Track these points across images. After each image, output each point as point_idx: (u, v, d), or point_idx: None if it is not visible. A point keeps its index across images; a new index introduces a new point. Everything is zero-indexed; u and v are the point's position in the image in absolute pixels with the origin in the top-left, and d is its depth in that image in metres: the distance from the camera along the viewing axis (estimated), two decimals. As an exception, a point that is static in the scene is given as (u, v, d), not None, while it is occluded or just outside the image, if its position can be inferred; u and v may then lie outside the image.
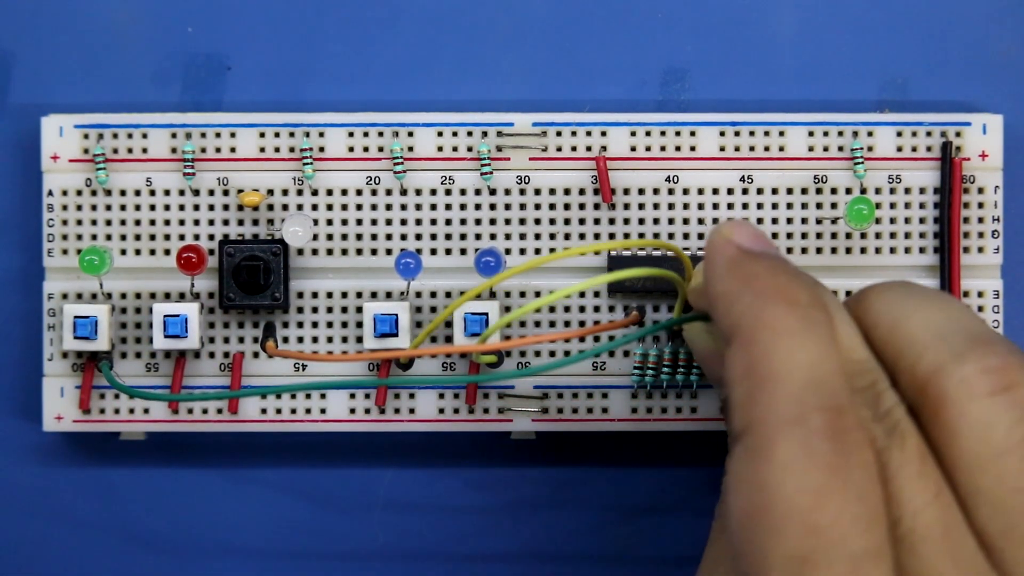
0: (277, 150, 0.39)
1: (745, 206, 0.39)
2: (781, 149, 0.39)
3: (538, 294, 0.39)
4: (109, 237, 0.39)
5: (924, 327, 0.29)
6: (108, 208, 0.39)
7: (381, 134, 0.39)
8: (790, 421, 0.27)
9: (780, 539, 0.26)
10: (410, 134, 0.39)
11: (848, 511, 0.26)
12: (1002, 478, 0.27)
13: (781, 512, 0.26)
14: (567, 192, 0.39)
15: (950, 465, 0.28)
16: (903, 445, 0.28)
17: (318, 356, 0.39)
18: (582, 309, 0.39)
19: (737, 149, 0.39)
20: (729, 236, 0.31)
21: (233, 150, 0.39)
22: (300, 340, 0.39)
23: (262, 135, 0.39)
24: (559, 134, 0.39)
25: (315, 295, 0.39)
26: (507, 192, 0.39)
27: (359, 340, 0.39)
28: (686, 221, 0.39)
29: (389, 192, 0.39)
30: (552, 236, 0.39)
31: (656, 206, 0.39)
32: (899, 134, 0.39)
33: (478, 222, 0.39)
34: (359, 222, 0.39)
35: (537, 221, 0.39)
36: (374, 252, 0.39)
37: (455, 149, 0.39)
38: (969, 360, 0.28)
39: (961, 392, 0.28)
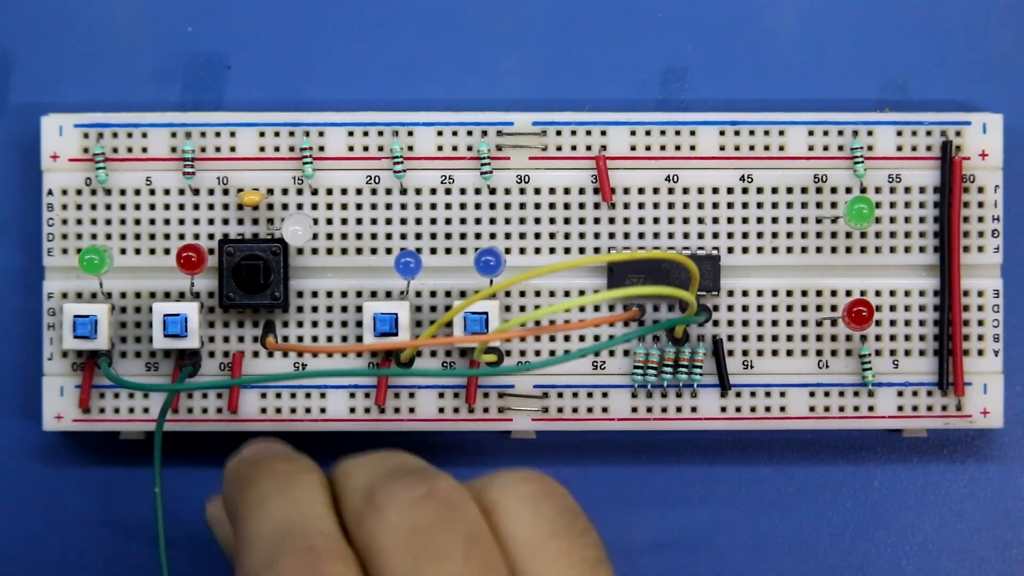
0: (277, 149, 0.39)
1: (745, 205, 0.39)
2: (781, 148, 0.39)
3: (538, 293, 0.39)
4: (109, 236, 0.39)
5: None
6: (108, 207, 0.39)
7: (381, 133, 0.39)
8: (262, 569, 0.28)
9: None
10: (410, 133, 0.39)
11: None
12: (555, 557, 0.29)
13: None
14: (567, 191, 0.39)
15: None
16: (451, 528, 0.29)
17: (317, 347, 0.39)
18: (582, 309, 0.39)
19: (737, 149, 0.39)
20: (235, 454, 0.33)
21: (233, 149, 0.39)
22: (300, 339, 0.39)
23: (262, 134, 0.39)
24: (559, 133, 0.39)
25: (315, 294, 0.39)
26: (507, 191, 0.39)
27: (359, 339, 0.39)
28: (686, 221, 0.39)
29: (389, 191, 0.39)
30: (552, 236, 0.39)
31: (656, 206, 0.39)
32: (899, 133, 0.39)
33: (478, 221, 0.39)
34: (359, 221, 0.39)
35: (537, 220, 0.39)
36: (374, 251, 0.39)
37: (455, 148, 0.39)
38: (507, 473, 0.30)
39: (505, 496, 0.30)
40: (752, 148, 0.39)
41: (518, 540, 0.29)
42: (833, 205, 0.39)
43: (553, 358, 0.37)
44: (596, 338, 0.39)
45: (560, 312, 0.37)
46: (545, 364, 0.34)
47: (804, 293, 0.39)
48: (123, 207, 0.39)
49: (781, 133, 0.39)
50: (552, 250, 0.39)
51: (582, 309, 0.39)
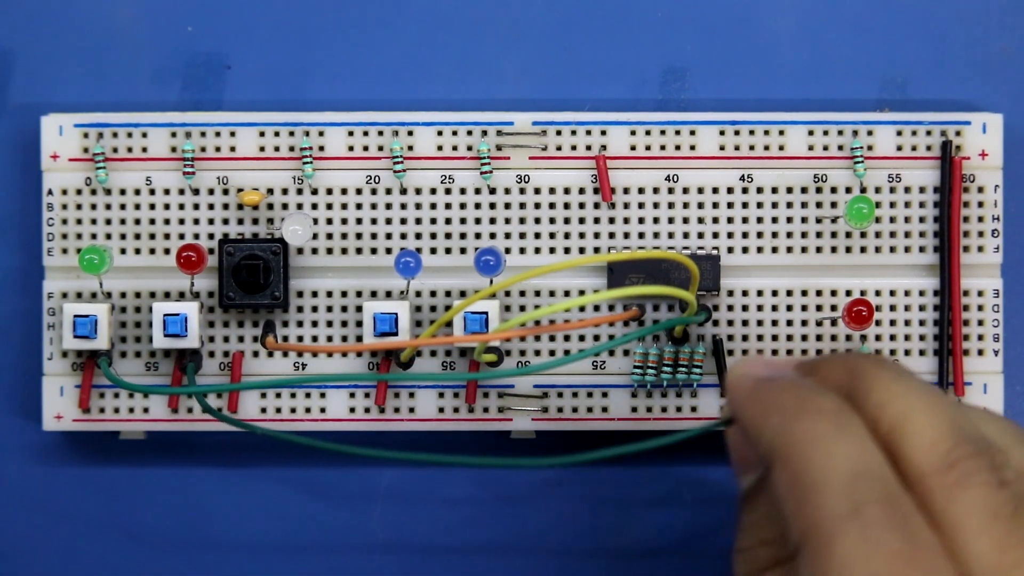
0: (277, 149, 0.39)
1: (745, 205, 0.39)
2: (781, 148, 0.39)
3: (538, 293, 0.39)
4: (109, 236, 0.39)
5: (931, 426, 0.29)
6: (108, 207, 0.39)
7: (381, 133, 0.39)
8: (845, 517, 0.27)
9: None
10: (410, 133, 0.39)
11: None
12: None
13: None
14: (567, 191, 0.39)
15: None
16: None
17: (317, 347, 0.39)
18: (582, 308, 0.39)
19: (737, 148, 0.39)
20: (743, 372, 0.31)
21: (233, 149, 0.39)
22: (300, 339, 0.39)
23: (262, 134, 0.39)
24: (559, 133, 0.39)
25: (315, 294, 0.39)
26: (507, 191, 0.39)
27: (359, 339, 0.39)
28: (686, 220, 0.39)
29: (389, 191, 0.39)
30: (552, 235, 0.39)
31: (656, 205, 0.39)
32: (899, 133, 0.39)
33: (478, 221, 0.39)
34: (359, 221, 0.39)
35: (537, 220, 0.39)
36: (374, 251, 0.39)
37: (455, 148, 0.39)
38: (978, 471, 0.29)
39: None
40: (752, 148, 0.39)
41: None
42: (833, 205, 0.39)
43: (553, 359, 0.37)
44: (596, 338, 0.39)
45: (560, 312, 0.37)
46: (546, 366, 0.34)
47: (804, 293, 0.39)
48: (123, 207, 0.39)
49: (781, 133, 0.39)
50: (552, 250, 0.39)
51: (582, 309, 0.39)
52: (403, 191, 0.39)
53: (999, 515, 0.28)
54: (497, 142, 0.39)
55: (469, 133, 0.39)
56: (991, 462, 0.28)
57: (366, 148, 0.39)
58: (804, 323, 0.39)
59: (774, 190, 0.39)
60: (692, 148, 0.39)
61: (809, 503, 0.28)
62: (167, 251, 0.39)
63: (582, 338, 0.39)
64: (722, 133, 0.39)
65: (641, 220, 0.39)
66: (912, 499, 0.28)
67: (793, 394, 0.30)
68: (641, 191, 0.39)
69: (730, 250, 0.39)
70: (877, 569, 0.26)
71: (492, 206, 0.39)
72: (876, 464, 0.28)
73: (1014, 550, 0.27)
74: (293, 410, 0.39)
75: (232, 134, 0.39)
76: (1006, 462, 0.29)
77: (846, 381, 0.31)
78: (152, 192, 0.39)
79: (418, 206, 0.39)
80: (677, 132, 0.39)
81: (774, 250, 0.39)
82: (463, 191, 0.39)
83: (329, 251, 0.39)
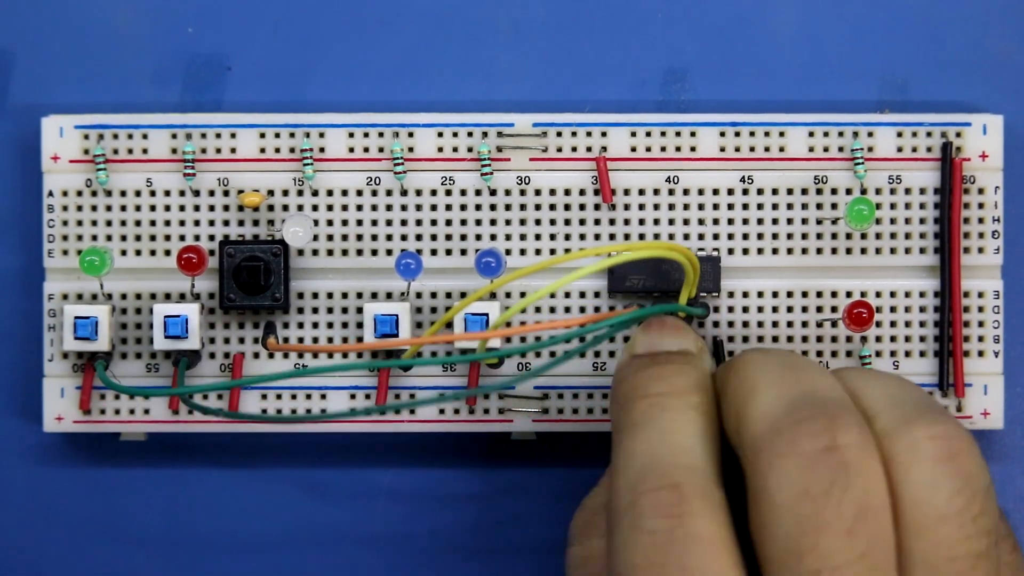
0: (277, 150, 0.39)
1: (745, 206, 0.39)
2: (781, 149, 0.39)
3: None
4: (109, 237, 0.39)
5: (880, 395, 0.30)
6: (108, 208, 0.39)
7: (381, 134, 0.39)
8: (623, 509, 0.28)
9: None
10: (410, 134, 0.39)
11: None
12: (938, 545, 0.28)
13: None
14: (567, 192, 0.39)
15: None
16: (841, 498, 0.28)
17: (317, 347, 0.39)
18: (582, 310, 0.39)
19: (737, 149, 0.39)
20: (630, 344, 0.33)
21: (233, 150, 0.39)
22: (300, 340, 0.39)
23: (262, 135, 0.39)
24: (559, 134, 0.39)
25: (315, 296, 0.39)
26: (507, 192, 0.39)
27: (359, 341, 0.39)
28: (686, 222, 0.39)
29: (389, 192, 0.39)
30: (552, 237, 0.39)
31: (656, 206, 0.39)
32: (899, 134, 0.39)
33: (478, 222, 0.39)
34: (359, 222, 0.39)
35: (537, 222, 0.39)
36: (374, 252, 0.39)
37: (455, 149, 0.39)
38: (918, 426, 0.29)
39: (908, 456, 0.28)
40: (752, 149, 0.39)
41: (909, 515, 0.28)
42: (833, 206, 0.39)
43: (548, 362, 0.37)
44: (596, 354, 0.39)
45: (562, 287, 0.38)
46: (544, 369, 0.34)
47: (804, 294, 0.39)
48: (123, 208, 0.39)
49: (781, 134, 0.39)
50: (553, 251, 0.39)
51: (583, 310, 0.39)
52: (403, 192, 0.39)
53: (808, 493, 0.27)
54: (497, 143, 0.39)
55: (469, 134, 0.39)
56: (826, 426, 0.28)
57: (367, 149, 0.39)
58: (804, 324, 0.39)
59: (774, 191, 0.39)
60: (692, 149, 0.39)
61: (612, 490, 0.29)
62: (168, 253, 0.39)
63: (582, 339, 0.39)
64: (722, 134, 0.39)
65: (641, 221, 0.39)
66: (708, 484, 0.28)
67: (631, 382, 0.31)
68: (641, 192, 0.39)
69: (730, 251, 0.39)
70: (639, 558, 0.27)
71: (492, 207, 0.39)
72: (676, 450, 0.29)
73: (810, 535, 0.27)
74: (294, 411, 0.39)
75: (232, 135, 0.39)
76: (851, 427, 0.28)
77: (723, 373, 0.31)
78: (153, 194, 0.39)
79: (419, 207, 0.39)
80: (677, 133, 0.39)
81: (774, 251, 0.39)
82: (463, 192, 0.39)
83: (330, 252, 0.39)
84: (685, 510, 0.28)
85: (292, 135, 0.39)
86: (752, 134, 0.39)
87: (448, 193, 0.39)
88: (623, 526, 0.28)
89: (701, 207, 0.39)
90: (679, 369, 0.31)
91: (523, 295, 0.39)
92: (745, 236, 0.39)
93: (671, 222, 0.39)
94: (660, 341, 0.33)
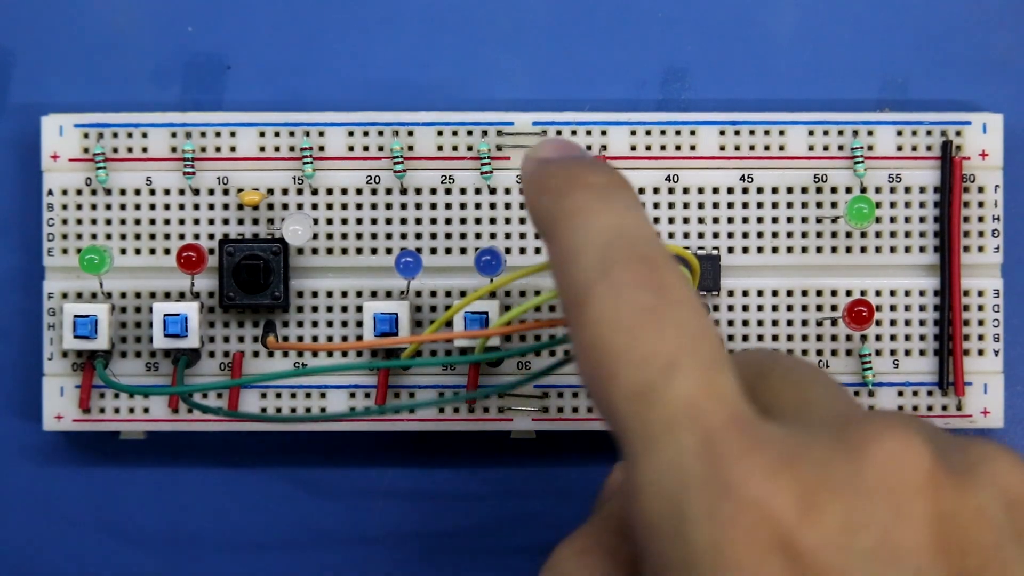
0: (277, 149, 0.39)
1: (745, 205, 0.39)
2: (781, 148, 0.39)
3: (538, 293, 0.39)
4: (109, 236, 0.39)
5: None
6: (108, 207, 0.39)
7: (381, 133, 0.39)
8: (595, 279, 0.27)
9: (615, 383, 0.26)
10: (410, 133, 0.39)
11: (670, 340, 0.25)
12: None
13: (607, 360, 0.26)
14: (567, 191, 0.39)
15: None
16: None
17: (317, 345, 0.39)
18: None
19: (737, 148, 0.39)
20: (533, 155, 0.30)
21: (233, 149, 0.39)
22: (300, 339, 0.39)
23: (262, 134, 0.39)
24: (559, 133, 0.39)
25: (315, 294, 0.39)
26: (507, 191, 0.39)
27: (359, 339, 0.39)
28: (686, 220, 0.39)
29: (389, 191, 0.39)
30: (552, 235, 0.39)
31: (656, 205, 0.39)
32: (899, 133, 0.39)
33: (478, 221, 0.39)
34: (359, 221, 0.39)
35: (537, 220, 0.39)
36: (374, 251, 0.39)
37: (455, 148, 0.39)
38: None
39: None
40: (752, 148, 0.39)
41: None
42: (833, 205, 0.39)
43: (539, 370, 0.37)
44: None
45: (531, 311, 0.38)
46: (536, 375, 0.34)
47: (804, 293, 0.39)
48: (123, 207, 0.39)
49: (781, 133, 0.39)
50: (552, 250, 0.39)
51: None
52: (403, 191, 0.39)
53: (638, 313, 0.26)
54: (497, 142, 0.39)
55: (469, 133, 0.39)
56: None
57: (366, 148, 0.39)
58: (804, 323, 0.39)
59: (774, 190, 0.39)
60: (692, 148, 0.39)
61: (566, 272, 0.27)
62: (167, 251, 0.39)
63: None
64: (722, 133, 0.39)
65: (641, 220, 0.39)
66: (671, 263, 0.27)
67: (564, 172, 0.29)
68: (641, 191, 0.39)
69: (730, 250, 0.39)
70: (624, 321, 0.26)
71: (492, 206, 0.39)
72: (634, 227, 0.27)
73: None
74: (293, 410, 0.39)
75: (232, 134, 0.39)
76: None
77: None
78: (152, 192, 0.39)
79: (418, 206, 0.39)
80: (677, 132, 0.39)
81: (774, 250, 0.39)
82: (463, 191, 0.39)
83: (329, 251, 0.39)
84: (666, 282, 0.26)
85: (292, 134, 0.39)
86: (752, 133, 0.39)
87: (448, 192, 0.39)
88: (597, 296, 0.26)
89: (701, 206, 0.39)
90: (604, 165, 0.30)
91: (523, 295, 0.39)
92: (745, 235, 0.39)
93: (671, 221, 0.39)
94: (568, 148, 0.31)
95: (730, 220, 0.39)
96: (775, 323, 0.39)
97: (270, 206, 0.39)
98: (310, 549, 0.41)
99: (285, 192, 0.39)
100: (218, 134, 0.39)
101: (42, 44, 0.41)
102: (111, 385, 0.37)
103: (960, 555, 0.24)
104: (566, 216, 0.28)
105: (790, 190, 0.39)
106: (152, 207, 0.39)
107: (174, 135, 0.39)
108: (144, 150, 0.39)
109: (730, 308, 0.39)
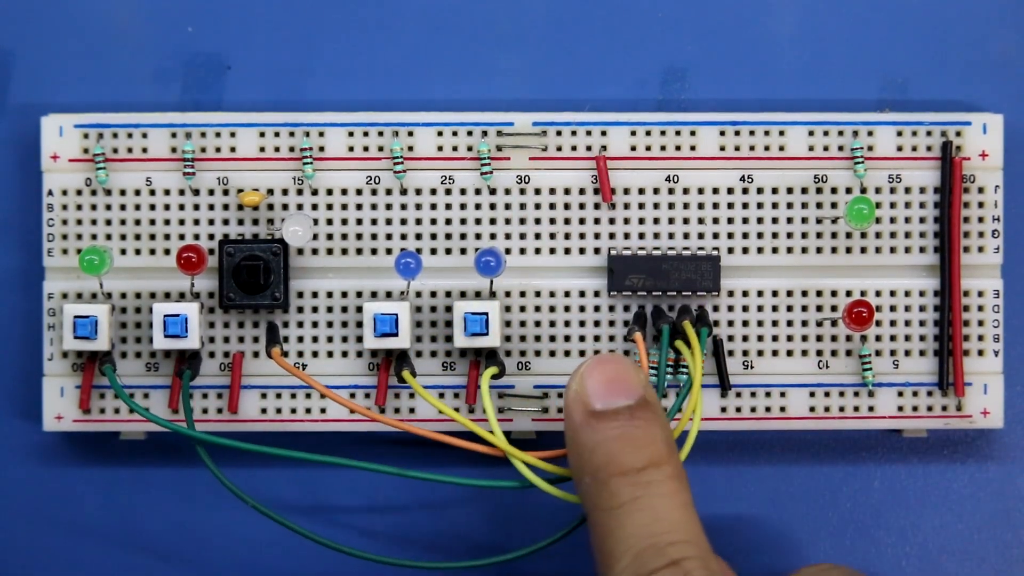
0: (277, 150, 0.39)
1: (745, 206, 0.39)
2: (781, 149, 0.39)
3: (538, 294, 0.39)
4: (109, 237, 0.39)
5: None
6: (108, 208, 0.39)
7: (381, 134, 0.39)
8: None
9: None
10: (410, 134, 0.39)
11: None
12: None
13: None
14: (567, 192, 0.39)
15: None
16: None
17: (316, 384, 0.38)
18: (582, 309, 0.39)
19: (737, 149, 0.39)
20: (580, 392, 0.33)
21: (233, 150, 0.39)
22: (300, 340, 0.39)
23: (262, 135, 0.39)
24: (559, 134, 0.39)
25: (315, 295, 0.39)
26: (507, 192, 0.39)
27: (359, 340, 0.39)
28: (686, 221, 0.39)
29: (389, 192, 0.39)
30: (552, 236, 0.39)
31: (656, 206, 0.39)
32: (899, 134, 0.39)
33: (478, 222, 0.39)
34: (359, 222, 0.39)
35: (537, 221, 0.39)
36: (374, 252, 0.39)
37: (455, 149, 0.39)
38: None
39: None
40: (752, 148, 0.39)
41: None
42: (833, 205, 0.39)
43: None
44: (596, 338, 0.39)
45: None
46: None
47: (804, 293, 0.39)
48: (123, 207, 0.39)
49: (781, 133, 0.39)
50: (552, 250, 0.39)
51: (582, 295, 0.39)
52: (403, 192, 0.39)
53: None
54: (497, 143, 0.39)
55: (469, 134, 0.39)
56: None
57: (366, 149, 0.39)
58: (804, 324, 0.39)
59: (774, 190, 0.39)
60: (692, 148, 0.39)
61: (606, 571, 0.30)
62: (167, 252, 0.39)
63: (582, 338, 0.39)
64: (722, 134, 0.39)
65: (641, 220, 0.39)
66: (703, 551, 0.30)
67: (603, 448, 0.31)
68: (641, 191, 0.39)
69: (730, 250, 0.39)
70: None
71: (492, 207, 0.39)
72: (667, 527, 0.30)
73: None
74: (293, 410, 0.39)
75: (232, 135, 0.39)
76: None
77: None
78: (152, 193, 0.39)
79: (418, 207, 0.39)
80: (677, 132, 0.39)
81: (774, 250, 0.39)
82: (463, 192, 0.39)
83: (329, 252, 0.39)
84: None
85: (292, 134, 0.39)
86: (752, 133, 0.39)
87: (448, 192, 0.39)
88: None
89: (701, 206, 0.39)
90: (647, 430, 0.32)
91: (523, 294, 0.39)
92: (745, 235, 0.39)
93: (671, 221, 0.39)
94: (614, 390, 0.33)
95: (730, 220, 0.39)
96: (775, 323, 0.39)
97: (270, 206, 0.39)
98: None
99: (285, 192, 0.39)
100: (218, 134, 0.39)
101: (42, 44, 0.41)
102: (121, 395, 0.37)
103: None
104: (599, 510, 0.31)
105: (790, 190, 0.39)
106: (152, 207, 0.39)
107: (174, 135, 0.39)
108: (144, 150, 0.39)
109: (730, 308, 0.39)
